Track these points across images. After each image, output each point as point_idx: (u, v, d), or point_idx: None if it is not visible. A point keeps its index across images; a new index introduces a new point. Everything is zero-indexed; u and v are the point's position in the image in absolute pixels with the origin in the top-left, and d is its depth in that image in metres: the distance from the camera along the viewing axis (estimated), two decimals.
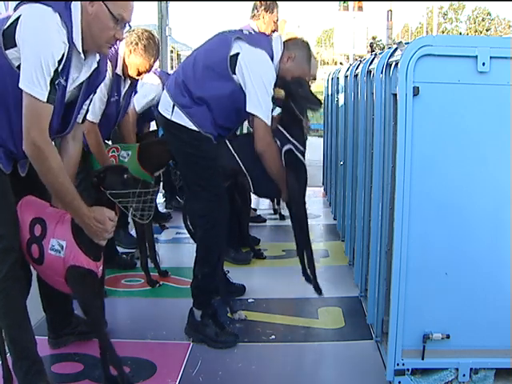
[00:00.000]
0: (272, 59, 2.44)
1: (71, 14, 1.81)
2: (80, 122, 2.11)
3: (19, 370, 2.00)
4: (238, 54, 2.35)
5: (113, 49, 2.94)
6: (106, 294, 2.98)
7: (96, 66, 1.99)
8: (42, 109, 1.78)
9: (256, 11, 3.59)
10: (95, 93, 2.15)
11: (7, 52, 1.78)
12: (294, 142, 2.70)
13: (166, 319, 2.73)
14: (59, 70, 1.79)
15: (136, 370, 2.26)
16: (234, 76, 2.36)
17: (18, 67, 1.77)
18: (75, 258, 1.96)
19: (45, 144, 1.80)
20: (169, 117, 2.44)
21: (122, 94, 3.13)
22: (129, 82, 3.15)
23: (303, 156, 2.73)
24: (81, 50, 1.86)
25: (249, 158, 2.68)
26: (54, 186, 1.88)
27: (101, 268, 2.05)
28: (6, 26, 1.78)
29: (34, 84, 1.74)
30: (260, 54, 2.39)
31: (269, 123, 2.43)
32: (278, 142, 2.66)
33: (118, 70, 3.04)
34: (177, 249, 3.74)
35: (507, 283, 2.03)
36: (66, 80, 1.86)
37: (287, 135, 2.69)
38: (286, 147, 2.67)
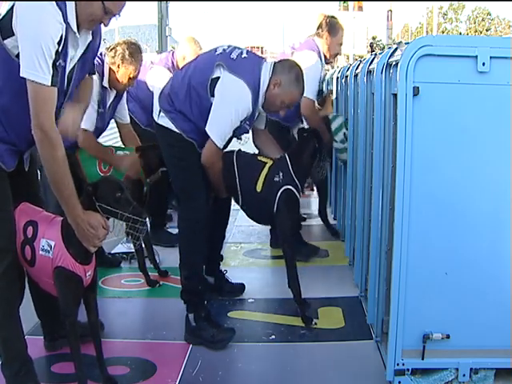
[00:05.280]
0: (258, 87, 2.43)
1: None
2: (88, 75, 2.12)
3: (9, 371, 1.99)
4: (218, 77, 2.39)
5: (99, 60, 3.03)
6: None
7: (90, 38, 1.97)
8: (47, 93, 1.77)
9: (320, 30, 3.57)
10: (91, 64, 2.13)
11: (5, 42, 1.77)
12: (297, 183, 2.71)
13: (166, 319, 2.73)
14: (59, 51, 1.78)
15: (136, 369, 2.27)
16: (211, 98, 2.39)
17: (17, 56, 1.76)
18: (62, 259, 1.95)
19: (53, 130, 1.80)
20: (156, 119, 2.54)
21: (108, 105, 3.17)
22: (114, 93, 3.20)
23: (299, 194, 2.75)
24: (76, 30, 1.85)
25: (247, 177, 2.71)
26: (56, 177, 1.85)
27: (89, 273, 2.02)
28: (1, 17, 1.77)
29: (37, 70, 1.73)
30: (236, 82, 2.38)
31: (220, 146, 2.45)
32: (281, 177, 2.67)
33: (105, 83, 3.09)
34: (177, 249, 3.73)
35: (507, 283, 2.03)
36: (65, 61, 1.85)
37: (292, 174, 2.70)
38: (287, 186, 2.68)
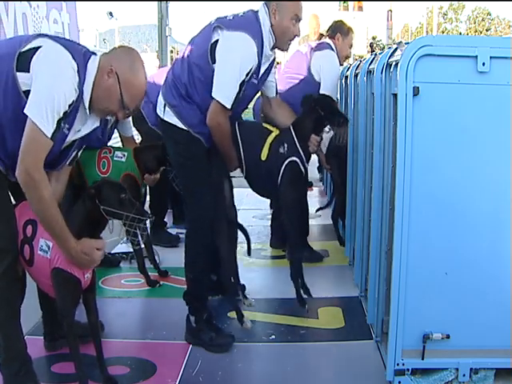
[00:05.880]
0: (261, 36, 2.35)
1: (86, 71, 1.85)
2: (67, 163, 2.08)
3: (8, 370, 2.00)
4: (217, 40, 2.32)
5: None
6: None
7: (98, 125, 2.03)
8: (43, 142, 1.78)
9: (331, 31, 3.72)
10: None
11: (18, 74, 1.78)
12: (302, 155, 2.65)
13: (166, 319, 2.73)
14: (67, 112, 1.81)
15: (136, 369, 2.27)
16: (214, 65, 2.32)
17: (24, 93, 1.77)
18: (59, 260, 1.94)
19: (38, 173, 1.79)
20: (161, 116, 2.47)
21: (107, 130, 3.21)
22: (114, 118, 3.20)
23: (304, 166, 2.70)
24: (87, 106, 1.89)
25: (251, 144, 2.62)
26: (45, 216, 1.85)
27: (88, 274, 2.02)
28: (24, 49, 1.80)
29: (43, 117, 1.75)
30: (238, 36, 2.31)
31: (225, 104, 2.32)
32: (286, 148, 2.60)
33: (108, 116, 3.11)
34: (177, 249, 3.74)
35: (507, 283, 2.03)
36: (69, 129, 1.88)
37: (298, 145, 2.63)
38: (292, 158, 2.61)
